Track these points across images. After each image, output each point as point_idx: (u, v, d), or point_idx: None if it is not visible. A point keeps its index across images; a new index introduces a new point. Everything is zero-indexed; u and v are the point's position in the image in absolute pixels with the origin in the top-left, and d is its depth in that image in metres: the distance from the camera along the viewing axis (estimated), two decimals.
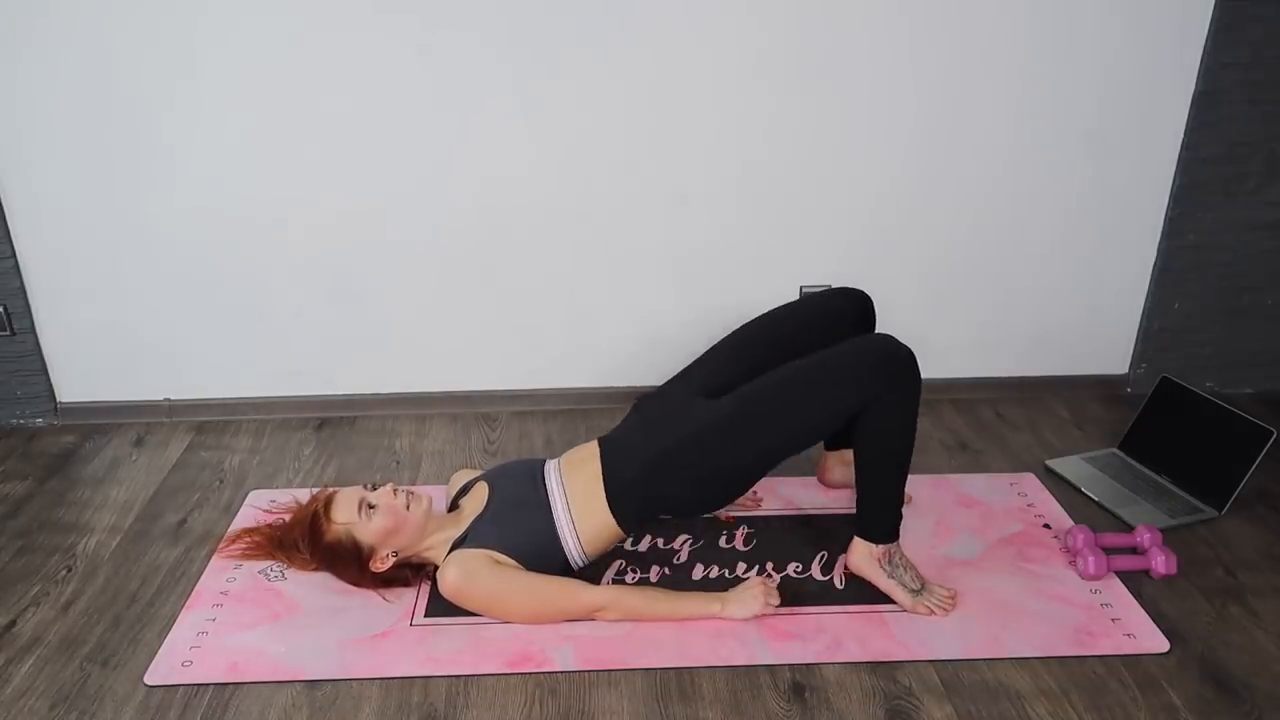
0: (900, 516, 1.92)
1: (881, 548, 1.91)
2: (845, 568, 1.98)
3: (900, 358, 1.81)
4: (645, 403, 2.07)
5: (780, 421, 1.85)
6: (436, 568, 1.92)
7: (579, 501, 1.91)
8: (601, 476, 1.92)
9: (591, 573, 1.99)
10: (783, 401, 1.85)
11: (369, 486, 1.93)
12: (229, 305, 2.56)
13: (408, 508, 1.89)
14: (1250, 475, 2.15)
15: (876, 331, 2.06)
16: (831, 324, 2.05)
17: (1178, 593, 1.96)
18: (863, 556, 1.93)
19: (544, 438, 2.57)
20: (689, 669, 1.77)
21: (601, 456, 1.95)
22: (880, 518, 1.91)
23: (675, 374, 2.11)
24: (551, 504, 1.92)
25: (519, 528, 1.89)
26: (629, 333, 2.65)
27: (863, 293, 2.11)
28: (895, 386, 1.80)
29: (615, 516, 1.91)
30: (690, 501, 1.96)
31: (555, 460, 2.03)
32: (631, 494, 1.91)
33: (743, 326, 2.11)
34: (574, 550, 1.92)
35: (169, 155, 2.39)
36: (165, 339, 2.59)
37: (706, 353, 2.11)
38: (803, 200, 2.51)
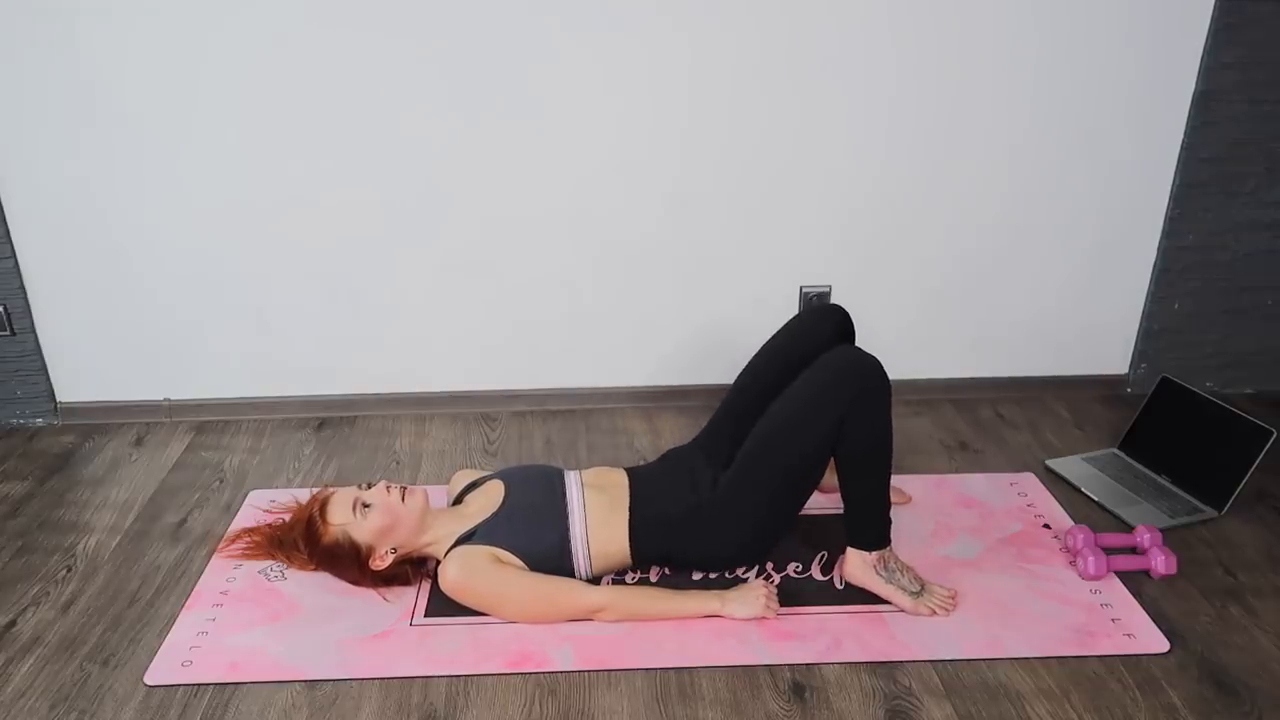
0: (889, 521, 1.92)
1: (875, 554, 1.91)
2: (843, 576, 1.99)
3: (861, 366, 1.82)
4: (674, 457, 2.09)
5: (784, 473, 1.88)
6: (438, 563, 1.92)
7: (598, 525, 1.92)
8: (628, 513, 1.94)
9: None
10: (776, 453, 1.87)
11: (363, 486, 1.93)
12: (229, 305, 2.56)
13: (404, 503, 1.89)
14: (1250, 475, 2.15)
15: (844, 345, 2.01)
16: (814, 346, 2.03)
17: (1178, 593, 1.96)
18: (858, 565, 1.93)
19: (544, 438, 2.57)
20: (689, 669, 1.77)
21: (631, 493, 1.97)
22: (869, 525, 1.91)
23: (702, 429, 2.13)
24: (569, 518, 1.92)
25: (533, 533, 1.90)
26: (629, 333, 2.65)
27: (841, 310, 2.09)
28: (862, 395, 1.80)
29: (632, 552, 1.94)
30: (714, 561, 2.00)
31: (575, 473, 2.03)
32: (655, 542, 1.94)
33: (744, 369, 2.12)
34: (583, 566, 1.92)
35: (169, 155, 2.39)
36: (165, 339, 2.59)
37: (720, 404, 2.12)
38: (802, 201, 2.51)
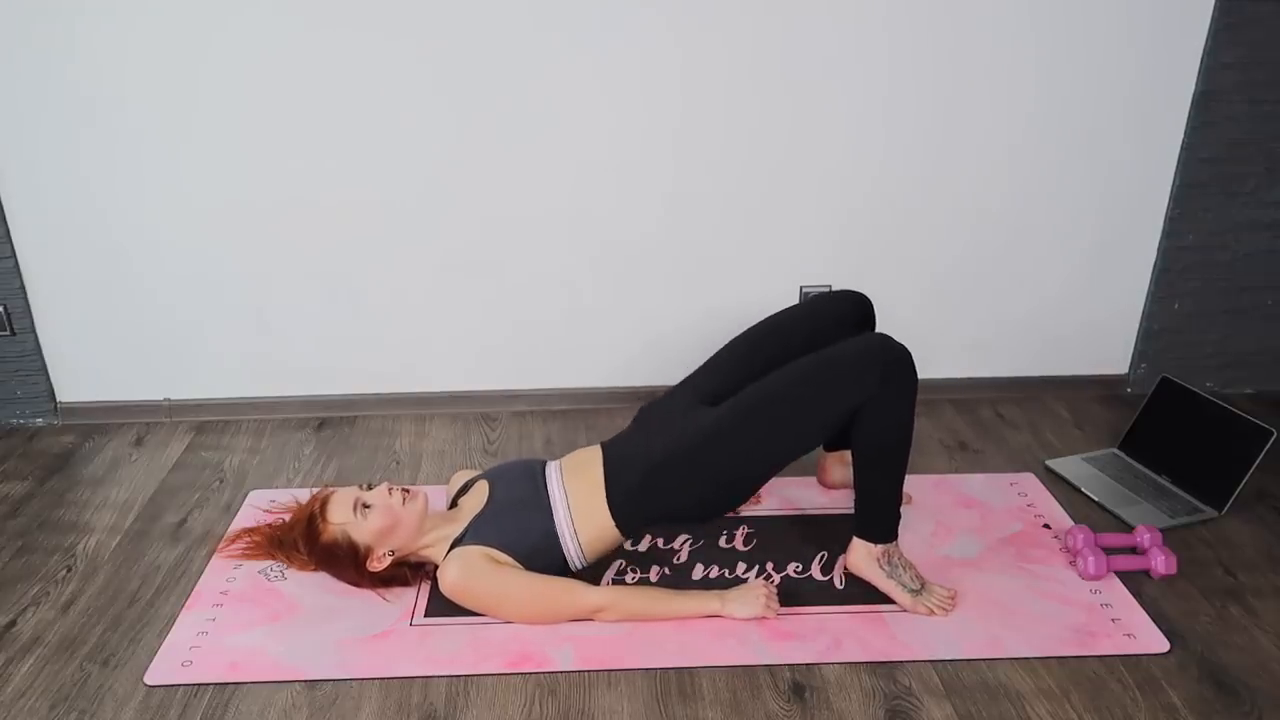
0: (899, 516, 1.92)
1: (880, 547, 1.91)
2: (845, 568, 1.98)
3: (895, 355, 1.81)
4: (648, 410, 2.07)
5: (780, 426, 1.85)
6: (436, 566, 1.92)
7: (580, 505, 1.92)
8: (603, 482, 1.92)
9: (591, 573, 1.99)
10: (781, 406, 1.85)
11: (365, 486, 1.93)
12: (229, 305, 2.56)
13: (404, 506, 1.89)
14: (1250, 475, 2.15)
15: (881, 332, 2.04)
16: (832, 327, 2.04)
17: (1178, 593, 1.96)
18: (862, 557, 1.93)
19: (544, 438, 2.57)
20: (689, 669, 1.77)
21: (604, 462, 1.96)
22: (879, 517, 1.91)
23: (679, 382, 2.10)
24: (552, 506, 1.92)
25: (519, 527, 1.90)
26: (629, 333, 2.65)
27: (862, 295, 2.11)
28: (890, 384, 1.80)
29: (616, 522, 1.92)
30: (693, 509, 1.97)
31: (556, 462, 2.03)
32: (633, 501, 1.92)
33: (744, 332, 2.11)
34: (574, 553, 1.92)
35: (169, 155, 2.39)
36: (165, 339, 2.59)
37: (709, 360, 2.11)
38: (803, 200, 2.51)
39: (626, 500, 1.91)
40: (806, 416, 1.85)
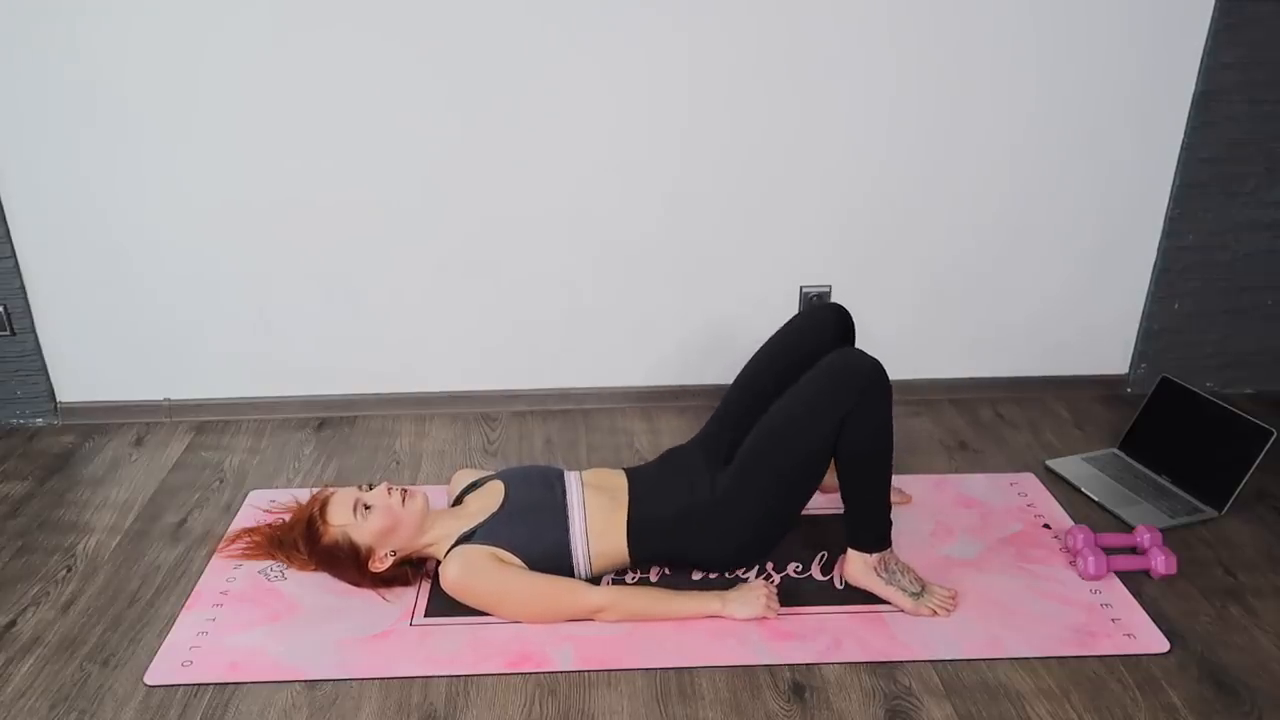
0: (890, 522, 1.92)
1: (876, 556, 1.91)
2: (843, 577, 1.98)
3: (862, 368, 1.81)
4: (674, 458, 2.09)
5: (777, 479, 1.88)
6: (439, 563, 1.92)
7: (598, 525, 1.93)
8: (626, 513, 1.94)
9: None
10: (772, 459, 1.87)
11: (364, 487, 1.93)
12: (229, 305, 2.56)
13: (404, 506, 1.89)
14: (1250, 475, 2.15)
15: (846, 347, 2.01)
16: (830, 339, 2.05)
17: (1178, 593, 1.96)
18: (859, 568, 1.93)
19: (544, 437, 2.57)
20: (689, 669, 1.77)
21: (630, 493, 1.97)
22: (870, 526, 1.91)
23: (701, 428, 2.13)
24: (569, 517, 1.93)
25: (533, 533, 1.90)
26: (629, 332, 2.65)
27: (843, 308, 2.10)
28: (867, 394, 1.80)
29: (630, 551, 1.94)
30: (711, 562, 2.00)
31: (576, 473, 2.03)
32: (653, 542, 1.94)
33: (750, 361, 2.12)
34: (582, 566, 1.92)
35: (168, 155, 2.39)
36: (165, 339, 2.59)
37: (724, 397, 2.12)
38: (802, 200, 2.51)
39: (645, 538, 1.94)
40: (798, 460, 1.86)
